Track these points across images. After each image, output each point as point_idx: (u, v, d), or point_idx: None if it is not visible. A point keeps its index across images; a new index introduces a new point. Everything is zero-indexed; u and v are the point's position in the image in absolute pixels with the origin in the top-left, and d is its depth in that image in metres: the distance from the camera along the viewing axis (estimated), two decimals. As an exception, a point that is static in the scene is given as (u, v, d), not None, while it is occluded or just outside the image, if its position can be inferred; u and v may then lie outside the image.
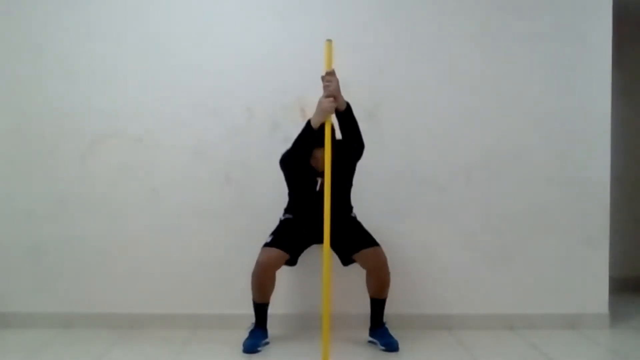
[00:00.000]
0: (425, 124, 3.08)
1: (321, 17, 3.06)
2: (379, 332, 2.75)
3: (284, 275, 2.85)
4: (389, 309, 2.82)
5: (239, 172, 3.07)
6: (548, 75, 3.09)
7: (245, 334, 2.72)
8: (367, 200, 2.91)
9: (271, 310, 2.79)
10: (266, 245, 2.68)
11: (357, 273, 2.78)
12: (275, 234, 2.72)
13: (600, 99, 3.08)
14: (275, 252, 2.64)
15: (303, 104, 2.99)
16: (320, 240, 2.47)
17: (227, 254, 3.05)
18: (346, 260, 2.78)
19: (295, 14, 3.06)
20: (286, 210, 2.83)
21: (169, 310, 3.05)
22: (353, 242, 2.72)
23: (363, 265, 2.73)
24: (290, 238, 2.71)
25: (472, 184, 3.09)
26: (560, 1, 3.10)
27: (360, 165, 2.98)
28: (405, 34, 3.08)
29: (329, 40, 2.47)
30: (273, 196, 2.82)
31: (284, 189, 2.83)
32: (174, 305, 3.06)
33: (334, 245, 2.59)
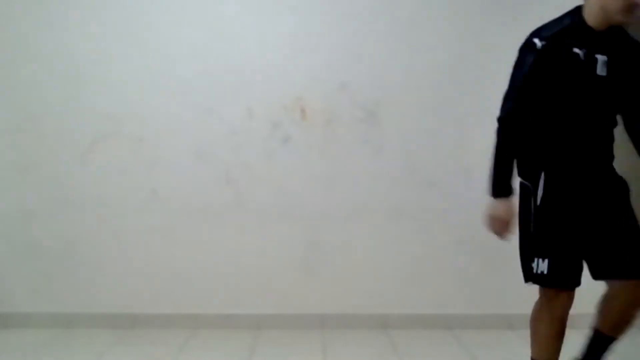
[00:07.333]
0: (425, 124, 3.08)
1: (320, 17, 3.06)
2: None
3: (285, 275, 2.85)
4: (389, 309, 2.82)
5: (239, 172, 3.07)
6: (548, 75, 3.10)
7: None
8: (367, 200, 2.91)
9: (269, 311, 2.78)
10: (549, 284, 2.01)
11: (355, 272, 2.79)
12: (550, 257, 1.96)
13: (600, 99, 3.08)
14: (566, 297, 2.07)
15: (303, 104, 2.99)
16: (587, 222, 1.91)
17: (226, 254, 3.05)
18: (599, 274, 2.00)
19: (295, 14, 3.06)
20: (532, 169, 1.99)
21: (169, 310, 3.05)
22: (620, 252, 1.94)
23: (618, 294, 2.05)
24: (569, 256, 2.01)
25: (472, 184, 3.09)
26: (561, 1, 3.10)
27: (360, 165, 2.99)
28: (405, 34, 3.08)
29: None
30: (273, 196, 2.81)
31: (284, 189, 2.82)
32: (174, 305, 3.06)
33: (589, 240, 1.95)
